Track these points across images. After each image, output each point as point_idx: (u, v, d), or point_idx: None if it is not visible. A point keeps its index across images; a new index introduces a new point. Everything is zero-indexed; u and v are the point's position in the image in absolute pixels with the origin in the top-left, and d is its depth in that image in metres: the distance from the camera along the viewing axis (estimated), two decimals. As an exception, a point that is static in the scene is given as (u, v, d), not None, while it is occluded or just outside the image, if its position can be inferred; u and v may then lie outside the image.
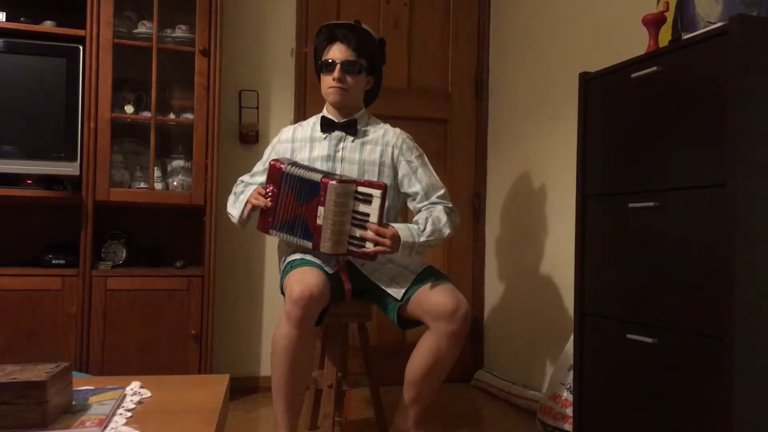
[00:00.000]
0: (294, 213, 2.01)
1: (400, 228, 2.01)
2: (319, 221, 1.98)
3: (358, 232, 1.99)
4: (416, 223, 2.09)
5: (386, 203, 2.02)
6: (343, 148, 2.16)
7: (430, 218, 2.08)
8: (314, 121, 2.23)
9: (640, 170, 1.72)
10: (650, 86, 1.69)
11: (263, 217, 2.05)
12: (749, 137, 1.43)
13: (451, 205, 2.16)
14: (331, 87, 2.13)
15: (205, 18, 2.69)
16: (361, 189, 1.99)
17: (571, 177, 2.49)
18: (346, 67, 2.11)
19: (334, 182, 1.96)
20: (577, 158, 1.99)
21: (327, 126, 2.18)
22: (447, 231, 2.10)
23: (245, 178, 2.28)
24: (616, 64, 1.84)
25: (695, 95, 1.55)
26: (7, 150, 2.43)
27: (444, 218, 2.10)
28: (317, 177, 1.98)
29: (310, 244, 2.01)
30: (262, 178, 2.18)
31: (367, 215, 1.98)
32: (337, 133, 2.17)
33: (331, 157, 2.16)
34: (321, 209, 1.97)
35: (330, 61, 2.12)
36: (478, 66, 3.40)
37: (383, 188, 1.98)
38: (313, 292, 1.88)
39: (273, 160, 2.05)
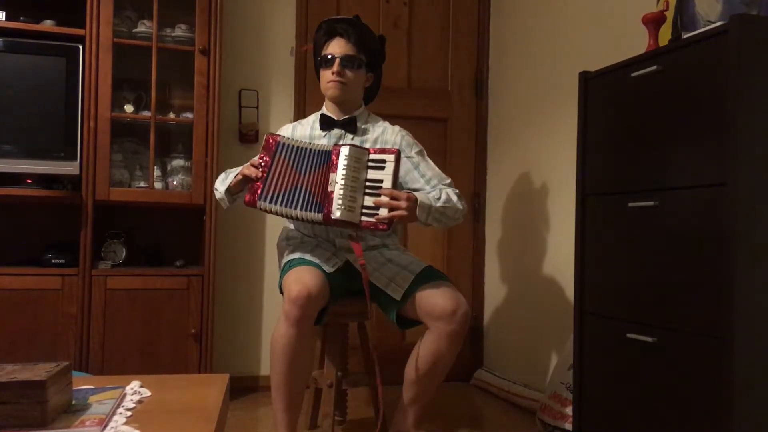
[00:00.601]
0: (293, 183, 1.96)
1: (415, 193, 1.99)
2: (330, 188, 1.93)
3: (371, 201, 1.93)
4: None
5: (399, 171, 1.98)
6: (342, 147, 2.15)
7: (442, 191, 2.08)
8: (314, 120, 2.23)
9: (640, 169, 1.72)
10: (650, 85, 1.69)
11: (251, 189, 1.95)
12: (749, 136, 1.43)
13: (458, 191, 2.14)
14: (330, 81, 2.12)
15: (204, 17, 2.68)
16: (373, 156, 1.97)
17: (571, 176, 2.49)
18: (346, 61, 2.11)
19: (347, 146, 1.95)
20: (577, 157, 1.99)
21: (326, 124, 2.18)
22: (460, 206, 2.08)
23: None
24: (616, 64, 1.84)
25: (695, 94, 1.55)
26: (7, 149, 2.43)
27: (455, 197, 2.09)
28: (327, 147, 1.97)
29: (319, 216, 1.94)
30: None
31: (380, 181, 1.94)
32: (336, 131, 2.17)
33: (331, 155, 2.15)
34: (332, 175, 1.93)
35: (330, 56, 2.12)
36: (478, 65, 3.40)
37: (397, 153, 1.96)
38: (312, 292, 1.88)
39: (269, 134, 2.02)
